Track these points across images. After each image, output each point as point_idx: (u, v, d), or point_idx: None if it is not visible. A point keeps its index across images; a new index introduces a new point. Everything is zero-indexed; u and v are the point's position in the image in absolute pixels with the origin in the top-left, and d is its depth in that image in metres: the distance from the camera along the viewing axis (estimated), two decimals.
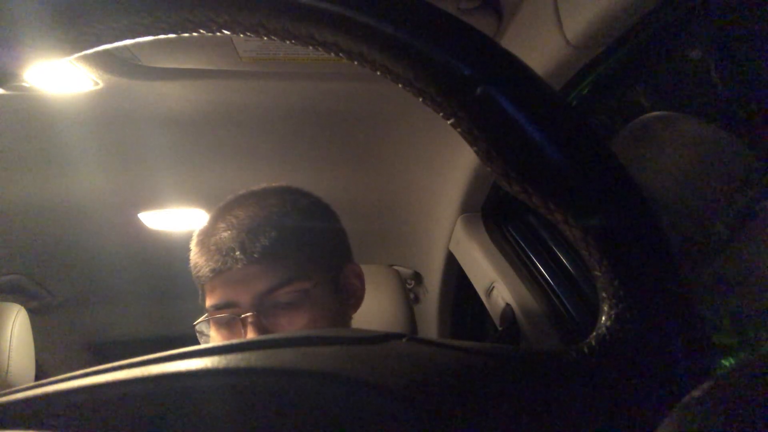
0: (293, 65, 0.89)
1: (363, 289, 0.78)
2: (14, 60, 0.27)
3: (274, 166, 1.30)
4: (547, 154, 0.24)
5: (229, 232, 0.67)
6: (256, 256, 0.65)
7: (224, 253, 0.66)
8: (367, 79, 0.95)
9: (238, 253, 0.65)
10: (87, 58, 0.87)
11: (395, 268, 1.44)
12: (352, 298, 0.76)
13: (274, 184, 0.76)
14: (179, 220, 1.47)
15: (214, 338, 0.70)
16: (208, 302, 0.69)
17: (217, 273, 0.66)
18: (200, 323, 0.70)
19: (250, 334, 0.64)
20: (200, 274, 0.68)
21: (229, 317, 0.67)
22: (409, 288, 1.69)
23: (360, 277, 0.78)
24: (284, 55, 0.86)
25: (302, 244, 0.68)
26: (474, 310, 1.46)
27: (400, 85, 0.26)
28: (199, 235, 0.72)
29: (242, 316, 0.65)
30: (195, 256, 0.70)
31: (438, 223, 1.29)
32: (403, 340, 0.29)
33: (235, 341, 0.26)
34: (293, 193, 0.75)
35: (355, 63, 0.26)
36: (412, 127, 1.13)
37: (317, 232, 0.72)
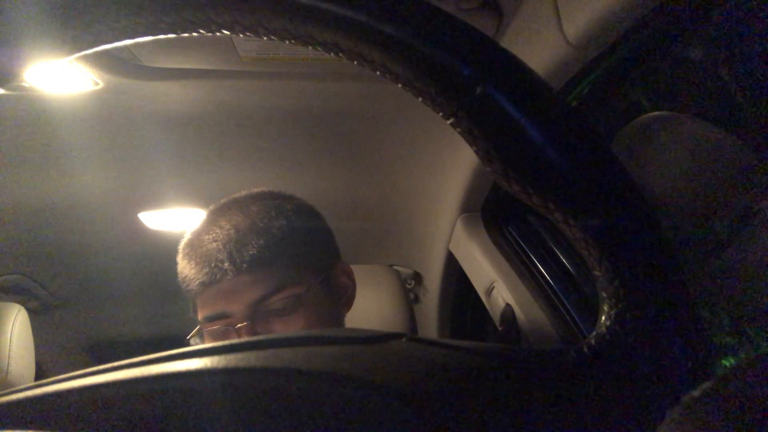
0: (293, 65, 0.89)
1: (354, 287, 0.78)
2: (14, 60, 0.27)
3: (274, 166, 1.30)
4: (547, 154, 0.24)
5: (216, 243, 0.65)
6: (245, 265, 0.64)
7: (213, 265, 0.64)
8: (367, 79, 0.95)
9: (226, 264, 0.64)
10: (87, 58, 0.87)
11: (395, 268, 1.44)
12: (344, 297, 0.76)
13: (256, 190, 0.75)
14: (179, 220, 1.47)
15: None
16: (201, 315, 0.67)
17: (206, 286, 0.65)
18: (194, 336, 0.69)
19: None
20: (190, 287, 0.67)
21: (223, 328, 0.66)
22: (409, 288, 1.69)
23: (350, 275, 0.78)
24: (284, 55, 0.86)
25: (290, 249, 0.67)
26: (474, 310, 1.46)
27: (400, 85, 0.26)
28: (185, 248, 0.70)
29: (237, 326, 0.64)
30: (183, 269, 0.69)
31: (438, 223, 1.29)
32: (403, 339, 0.29)
33: (235, 341, 0.26)
34: (276, 198, 0.73)
35: (355, 63, 0.26)
36: (412, 127, 1.13)
37: (304, 235, 0.71)
